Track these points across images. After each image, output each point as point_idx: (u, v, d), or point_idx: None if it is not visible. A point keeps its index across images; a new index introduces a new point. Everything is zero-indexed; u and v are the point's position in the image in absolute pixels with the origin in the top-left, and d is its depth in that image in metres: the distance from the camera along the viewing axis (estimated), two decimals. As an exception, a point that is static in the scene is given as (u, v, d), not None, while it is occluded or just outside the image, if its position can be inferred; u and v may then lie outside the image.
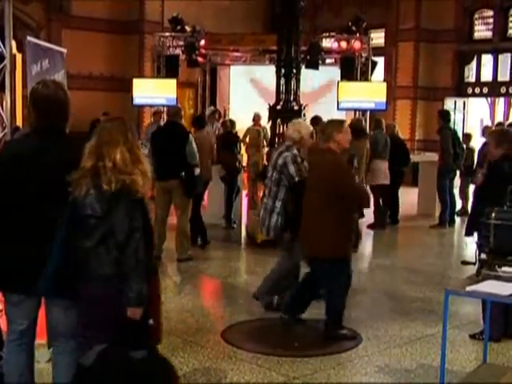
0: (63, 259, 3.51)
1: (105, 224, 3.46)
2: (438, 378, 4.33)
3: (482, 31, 18.69)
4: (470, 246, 8.93)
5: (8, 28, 5.73)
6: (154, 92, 15.12)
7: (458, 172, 12.21)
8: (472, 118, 19.25)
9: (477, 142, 13.40)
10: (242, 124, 13.66)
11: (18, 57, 7.86)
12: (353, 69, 14.91)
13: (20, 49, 7.90)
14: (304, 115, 9.85)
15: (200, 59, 15.92)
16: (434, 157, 12.73)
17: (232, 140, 11.26)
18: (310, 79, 14.52)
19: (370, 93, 14.59)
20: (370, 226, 11.26)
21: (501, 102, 19.24)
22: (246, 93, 17.10)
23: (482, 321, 5.71)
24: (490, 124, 16.18)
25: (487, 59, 18.68)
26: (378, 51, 16.76)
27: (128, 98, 15.27)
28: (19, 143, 3.98)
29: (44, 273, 3.50)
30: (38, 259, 3.58)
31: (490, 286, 4.06)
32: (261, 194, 9.33)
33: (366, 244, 10.46)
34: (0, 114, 6.01)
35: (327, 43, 15.38)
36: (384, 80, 17.50)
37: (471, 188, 11.42)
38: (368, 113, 14.94)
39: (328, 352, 5.54)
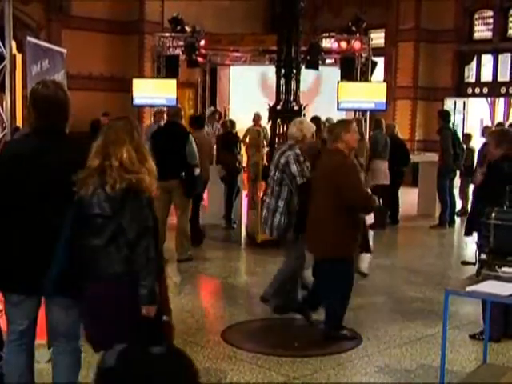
0: (68, 259, 3.52)
1: (114, 223, 3.48)
2: (438, 378, 4.33)
3: (481, 31, 18.69)
4: (470, 247, 8.93)
5: (8, 28, 5.72)
6: (153, 92, 15.10)
7: (457, 172, 12.22)
8: (472, 118, 19.25)
9: (477, 142, 13.40)
10: (242, 124, 13.66)
11: (18, 57, 7.85)
12: (353, 69, 14.89)
13: (20, 49, 7.91)
14: (304, 115, 9.85)
15: (200, 59, 15.90)
16: (433, 157, 12.73)
17: (232, 140, 11.26)
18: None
19: (370, 93, 14.58)
20: (370, 226, 11.24)
21: (501, 102, 19.23)
22: (247, 93, 17.07)
23: (482, 321, 5.72)
24: (489, 124, 16.17)
25: (487, 59, 18.68)
26: (377, 51, 16.75)
27: (128, 99, 15.26)
28: (19, 143, 3.98)
29: (48, 273, 3.50)
30: (38, 259, 3.59)
31: (489, 287, 4.06)
32: (261, 194, 9.33)
33: (366, 244, 10.46)
34: (0, 114, 6.00)
35: (327, 43, 15.36)
36: (384, 80, 17.50)
37: (471, 188, 11.42)
38: (368, 113, 14.93)
39: (328, 352, 5.54)
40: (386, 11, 19.15)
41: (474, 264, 4.44)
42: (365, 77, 15.01)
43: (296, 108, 9.93)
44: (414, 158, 13.74)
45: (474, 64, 18.85)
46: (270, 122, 10.41)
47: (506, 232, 4.29)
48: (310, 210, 5.83)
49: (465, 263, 4.80)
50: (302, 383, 4.92)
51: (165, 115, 13.18)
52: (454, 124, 15.45)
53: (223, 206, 11.10)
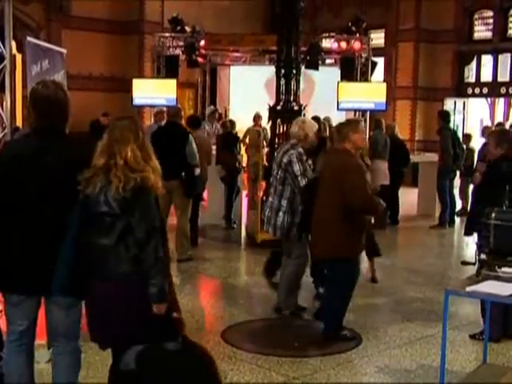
0: (75, 258, 3.53)
1: (122, 221, 3.50)
2: (438, 379, 4.33)
3: (481, 31, 18.68)
4: (469, 247, 8.94)
5: (8, 28, 5.73)
6: (153, 92, 15.10)
7: (457, 172, 12.22)
8: (472, 118, 19.24)
9: (477, 143, 13.40)
10: (242, 124, 13.65)
11: (18, 57, 7.85)
12: (353, 69, 14.90)
13: (20, 49, 7.90)
14: (304, 115, 9.84)
15: (200, 59, 15.90)
16: (433, 157, 12.73)
17: (232, 140, 11.26)
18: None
19: (370, 93, 14.58)
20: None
21: (501, 103, 19.22)
22: (247, 93, 17.06)
23: (482, 321, 5.72)
24: (489, 124, 16.17)
25: (487, 59, 18.68)
26: (377, 51, 16.75)
27: (128, 99, 15.26)
28: (19, 143, 3.98)
29: (56, 273, 3.51)
30: (38, 259, 3.59)
31: (489, 287, 4.06)
32: (261, 194, 9.33)
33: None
34: (0, 115, 6.00)
35: (327, 43, 15.36)
36: (384, 80, 17.49)
37: (471, 188, 11.43)
38: (368, 113, 14.93)
39: (328, 352, 5.54)
40: (386, 11, 19.15)
41: (474, 264, 4.44)
42: (365, 77, 15.01)
43: (296, 108, 9.93)
44: (414, 158, 13.73)
45: (473, 64, 18.84)
46: (270, 122, 10.40)
47: (506, 232, 4.29)
48: (315, 209, 5.79)
49: (465, 263, 4.81)
50: (302, 383, 4.92)
51: (165, 115, 13.18)
52: (453, 124, 15.46)
53: (223, 206, 11.09)
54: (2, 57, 5.80)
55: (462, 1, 18.45)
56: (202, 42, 15.36)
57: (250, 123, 13.81)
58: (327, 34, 15.61)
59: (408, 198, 13.00)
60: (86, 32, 16.94)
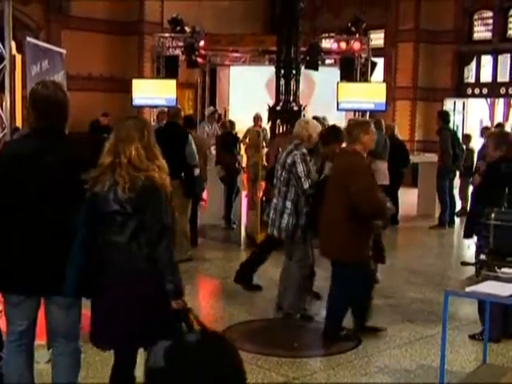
0: (85, 257, 3.54)
1: (134, 220, 3.53)
2: (438, 379, 4.33)
3: (481, 32, 18.69)
4: (469, 247, 8.92)
5: (8, 29, 5.72)
6: (153, 93, 15.10)
7: (457, 173, 12.22)
8: (471, 118, 19.25)
9: (476, 143, 13.40)
10: (242, 125, 13.65)
11: (18, 57, 7.84)
12: (352, 69, 14.90)
13: (19, 49, 7.89)
14: (304, 116, 9.85)
15: (199, 60, 15.91)
16: (433, 157, 12.73)
17: (232, 141, 11.26)
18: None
19: (370, 93, 14.58)
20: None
21: (500, 103, 19.23)
22: (247, 93, 17.05)
23: (480, 322, 5.73)
24: (489, 125, 16.18)
25: (487, 60, 18.69)
26: (377, 52, 16.76)
27: (127, 99, 15.26)
28: (19, 144, 3.98)
29: (67, 274, 3.52)
30: (38, 260, 3.59)
31: (489, 287, 4.06)
32: (260, 194, 9.32)
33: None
34: (0, 115, 6.00)
35: (327, 44, 15.37)
36: (383, 81, 17.50)
37: (471, 188, 11.44)
38: (368, 113, 14.93)
39: (328, 352, 5.55)
40: (386, 12, 19.16)
41: (474, 264, 4.44)
42: (364, 77, 15.02)
43: (296, 108, 9.93)
44: (414, 158, 13.74)
45: (473, 65, 18.85)
46: (270, 123, 10.40)
47: (506, 233, 4.29)
48: (323, 211, 5.78)
49: (464, 264, 4.80)
50: (302, 383, 4.92)
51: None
52: (453, 125, 15.47)
53: (223, 206, 11.10)
54: (2, 57, 5.80)
55: (461, 1, 18.46)
56: (202, 43, 15.37)
57: (250, 124, 13.81)
58: (327, 35, 15.62)
59: (408, 199, 13.00)
60: (85, 32, 16.94)
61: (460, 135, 13.48)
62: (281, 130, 9.90)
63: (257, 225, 9.22)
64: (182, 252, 8.49)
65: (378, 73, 17.39)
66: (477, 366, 4.83)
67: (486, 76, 18.70)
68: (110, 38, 17.65)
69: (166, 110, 12.95)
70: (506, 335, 5.75)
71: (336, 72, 15.29)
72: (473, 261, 4.52)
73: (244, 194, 11.10)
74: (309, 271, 6.43)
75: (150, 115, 15.63)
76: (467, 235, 5.95)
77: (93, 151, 3.71)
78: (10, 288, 3.70)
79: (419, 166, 13.58)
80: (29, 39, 6.48)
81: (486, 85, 18.55)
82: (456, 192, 12.48)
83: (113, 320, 3.59)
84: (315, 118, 10.68)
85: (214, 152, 11.73)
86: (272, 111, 10.15)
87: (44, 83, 3.85)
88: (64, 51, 7.31)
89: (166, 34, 15.76)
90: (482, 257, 4.37)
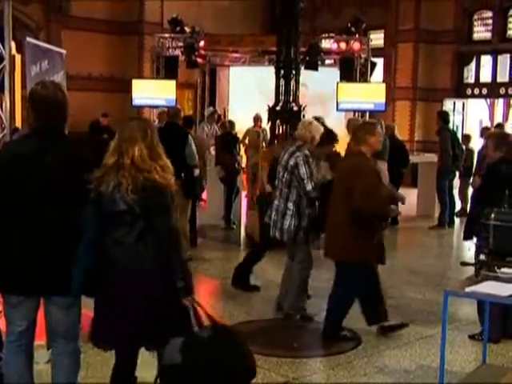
0: (92, 257, 3.55)
1: (141, 220, 3.55)
2: (438, 379, 4.33)
3: (481, 32, 18.70)
4: (470, 249, 8.92)
5: (7, 29, 5.73)
6: (153, 93, 15.10)
7: (457, 173, 12.22)
8: (471, 119, 19.26)
9: (476, 143, 13.41)
10: (242, 125, 13.65)
11: (18, 58, 7.84)
12: (352, 70, 14.90)
13: (19, 50, 7.89)
14: (303, 116, 9.85)
15: (199, 60, 15.90)
16: (433, 158, 12.73)
17: (231, 141, 11.26)
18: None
19: (370, 94, 14.58)
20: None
21: (500, 103, 19.24)
22: (246, 93, 17.05)
23: (479, 322, 5.73)
24: (489, 125, 16.18)
25: (486, 60, 18.70)
26: (377, 52, 16.76)
27: (127, 99, 15.26)
28: (18, 144, 3.98)
29: (74, 274, 3.53)
30: (38, 260, 3.59)
31: (489, 287, 4.06)
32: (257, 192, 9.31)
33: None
34: (-1, 115, 6.01)
35: (326, 44, 15.37)
36: (383, 81, 17.51)
37: (470, 188, 11.43)
38: (367, 114, 14.93)
39: (327, 353, 5.55)
40: (386, 12, 19.17)
41: (474, 265, 4.44)
42: (364, 77, 15.01)
43: (295, 109, 9.93)
44: (414, 158, 13.73)
45: (473, 65, 18.86)
46: (270, 123, 10.40)
47: (506, 233, 4.29)
48: (328, 212, 5.77)
49: (464, 264, 4.79)
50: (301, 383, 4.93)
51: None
52: (453, 125, 15.47)
53: (222, 206, 11.09)
54: (2, 57, 5.80)
55: (461, 1, 18.47)
56: (202, 43, 15.36)
57: (250, 124, 13.80)
58: (327, 35, 15.62)
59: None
60: (85, 32, 16.95)
61: (460, 135, 13.49)
62: (280, 131, 9.89)
63: (256, 225, 9.21)
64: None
65: (378, 73, 17.39)
66: (476, 367, 4.83)
67: (485, 76, 18.71)
68: (110, 38, 17.66)
69: (166, 110, 12.98)
70: (506, 335, 5.75)
71: (336, 72, 15.29)
72: (472, 261, 4.52)
73: (244, 194, 11.11)
74: (310, 273, 6.43)
75: (149, 115, 15.63)
76: (467, 237, 5.94)
77: (92, 151, 3.71)
78: (9, 288, 3.70)
79: (419, 166, 13.58)
80: (28, 39, 6.49)
81: (485, 85, 18.56)
82: (456, 192, 12.48)
83: (119, 319, 3.60)
84: (315, 118, 10.69)
85: (213, 152, 11.74)
86: (272, 111, 10.14)
87: (43, 83, 3.85)
88: (64, 51, 7.32)
89: (166, 35, 15.76)
90: (482, 257, 4.37)
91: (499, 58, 18.35)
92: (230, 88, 17.80)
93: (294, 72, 9.90)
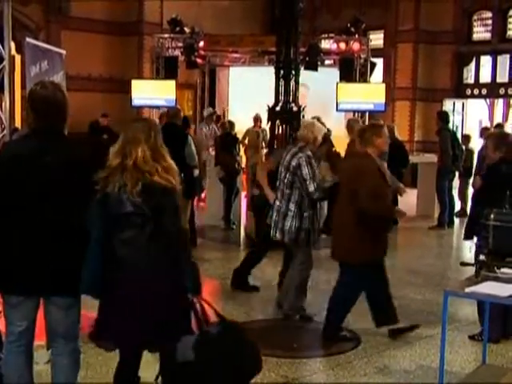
0: (99, 258, 3.56)
1: (149, 221, 3.55)
2: (437, 379, 4.33)
3: (480, 32, 18.72)
4: (469, 248, 8.92)
5: (7, 29, 5.73)
6: (153, 93, 15.10)
7: (457, 173, 12.22)
8: (471, 119, 19.28)
9: (476, 144, 13.41)
10: (241, 125, 13.66)
11: (17, 58, 7.85)
12: (352, 70, 14.90)
13: (19, 50, 7.90)
14: (303, 116, 9.85)
15: (199, 60, 15.90)
16: (433, 158, 12.73)
17: (231, 141, 11.26)
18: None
19: (369, 94, 14.59)
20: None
21: (500, 104, 19.25)
22: (246, 94, 17.05)
23: (479, 322, 5.72)
24: (488, 125, 16.18)
25: (486, 60, 18.71)
26: (376, 52, 16.77)
27: (127, 100, 15.26)
28: (18, 144, 3.98)
29: (83, 276, 3.54)
30: (38, 260, 3.59)
31: (489, 288, 4.06)
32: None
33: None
34: (-1, 116, 6.01)
35: (326, 44, 15.38)
36: (383, 81, 17.51)
37: (470, 189, 11.44)
38: (367, 114, 14.94)
39: (327, 353, 5.54)
40: (385, 12, 19.18)
41: (473, 265, 4.44)
42: (364, 78, 15.01)
43: (295, 109, 9.92)
44: (413, 159, 13.73)
45: (472, 65, 18.88)
46: (269, 124, 10.39)
47: (505, 233, 4.28)
48: (334, 213, 5.78)
49: (464, 264, 4.79)
50: (301, 384, 4.92)
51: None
52: (453, 125, 15.47)
53: (222, 207, 11.09)
54: (1, 58, 5.81)
55: (461, 2, 18.49)
56: (201, 43, 15.36)
57: (249, 124, 13.81)
58: (326, 35, 15.63)
59: (407, 199, 12.92)
60: (85, 33, 16.94)
61: (459, 136, 13.49)
62: (280, 131, 9.88)
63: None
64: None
65: (378, 73, 17.39)
66: (476, 367, 4.83)
67: (485, 76, 18.72)
68: (110, 39, 17.66)
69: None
70: (506, 336, 5.75)
71: (335, 72, 15.29)
72: (472, 261, 4.52)
73: (243, 194, 11.12)
74: (310, 273, 6.43)
75: (149, 116, 15.62)
76: (468, 236, 5.94)
77: (92, 152, 3.71)
78: (9, 288, 3.70)
79: (419, 166, 13.58)
80: (28, 40, 6.49)
81: (485, 85, 18.58)
82: (455, 192, 12.48)
83: (126, 318, 3.59)
84: (316, 118, 10.69)
85: (213, 153, 11.74)
86: (271, 112, 10.14)
87: (43, 84, 3.84)
88: (63, 52, 7.33)
89: (166, 35, 15.75)
90: (482, 257, 4.37)
91: (499, 58, 18.37)
92: (229, 88, 17.80)
93: (293, 72, 9.89)
